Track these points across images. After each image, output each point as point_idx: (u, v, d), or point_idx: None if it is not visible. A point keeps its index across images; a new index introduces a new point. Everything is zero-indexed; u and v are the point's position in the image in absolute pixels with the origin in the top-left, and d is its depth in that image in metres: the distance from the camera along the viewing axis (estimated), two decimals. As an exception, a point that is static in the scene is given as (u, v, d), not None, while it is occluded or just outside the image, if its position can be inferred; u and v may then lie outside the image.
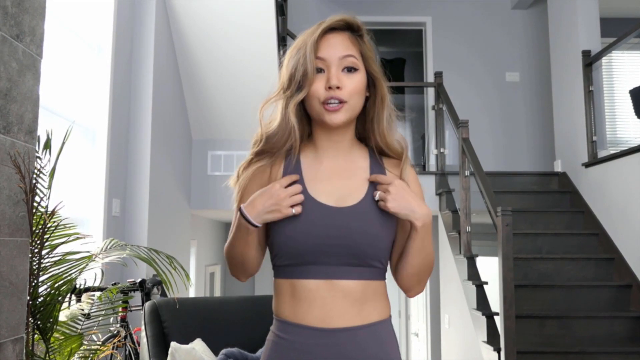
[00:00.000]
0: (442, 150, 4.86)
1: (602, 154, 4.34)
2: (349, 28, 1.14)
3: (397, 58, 7.82)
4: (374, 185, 1.13)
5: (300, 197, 1.08)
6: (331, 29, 1.12)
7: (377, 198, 1.09)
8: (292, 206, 1.07)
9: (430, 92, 5.50)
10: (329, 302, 1.07)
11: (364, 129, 1.19)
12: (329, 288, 1.08)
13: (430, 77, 5.93)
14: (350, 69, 1.10)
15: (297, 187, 1.09)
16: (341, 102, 1.08)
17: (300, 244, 1.08)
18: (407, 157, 1.19)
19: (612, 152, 4.17)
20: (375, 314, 1.11)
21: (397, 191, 1.08)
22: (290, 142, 1.13)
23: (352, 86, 1.10)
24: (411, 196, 1.08)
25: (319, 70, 1.10)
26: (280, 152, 1.15)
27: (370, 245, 1.08)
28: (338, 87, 1.08)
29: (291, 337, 1.09)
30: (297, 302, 1.09)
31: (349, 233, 1.07)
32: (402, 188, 1.08)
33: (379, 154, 1.19)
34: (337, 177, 1.14)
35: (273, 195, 1.07)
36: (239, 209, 1.10)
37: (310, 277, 1.08)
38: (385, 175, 1.13)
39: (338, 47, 1.10)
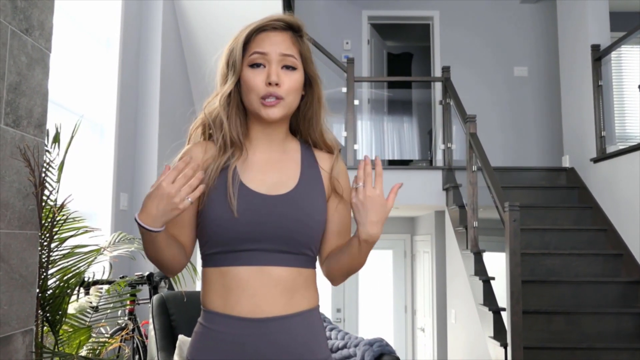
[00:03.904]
0: (449, 145, 4.84)
1: (610, 149, 4.31)
2: (290, 28, 1.17)
3: (404, 52, 7.79)
4: (305, 175, 1.16)
5: (193, 183, 1.01)
6: (273, 28, 1.15)
7: (355, 186, 1.06)
8: (188, 195, 1.01)
9: (438, 87, 5.48)
10: (259, 292, 1.08)
11: (298, 125, 1.23)
12: (260, 276, 1.08)
13: (437, 72, 5.90)
14: (289, 67, 1.13)
15: (186, 174, 1.01)
16: (278, 98, 1.11)
17: (232, 231, 1.08)
18: (338, 154, 1.22)
19: (621, 147, 4.14)
20: (305, 302, 1.13)
21: (372, 199, 1.04)
22: (232, 132, 1.15)
23: (290, 84, 1.12)
24: (376, 212, 1.05)
25: (259, 65, 1.13)
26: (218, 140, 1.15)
27: (302, 232, 1.11)
28: (277, 84, 1.11)
29: (221, 328, 1.09)
30: (227, 292, 1.09)
31: (281, 220, 1.10)
32: (376, 202, 1.05)
33: (313, 146, 1.23)
34: (269, 167, 1.16)
35: (164, 196, 1.00)
36: (135, 219, 1.03)
37: (241, 264, 1.09)
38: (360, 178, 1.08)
39: (280, 45, 1.13)
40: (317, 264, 1.20)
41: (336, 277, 1.19)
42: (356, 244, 1.09)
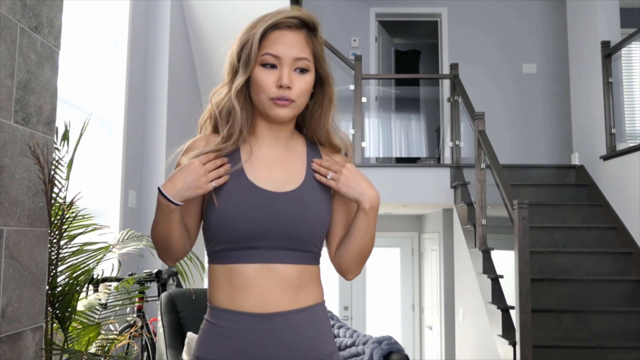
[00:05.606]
0: (457, 142, 4.82)
1: (620, 146, 4.27)
2: (306, 26, 1.15)
3: (412, 50, 7.76)
4: (311, 172, 1.16)
5: (220, 171, 1.09)
6: (287, 27, 1.13)
7: (329, 177, 1.13)
8: (213, 180, 1.08)
9: (446, 84, 5.46)
10: (266, 288, 1.08)
11: (304, 122, 1.21)
12: (267, 273, 1.09)
13: (445, 69, 5.88)
14: (302, 70, 1.12)
15: (216, 162, 1.10)
16: (289, 100, 1.11)
17: (238, 228, 1.08)
18: (350, 154, 1.22)
19: (631, 144, 4.10)
20: (312, 298, 1.13)
21: (349, 173, 1.12)
22: (236, 126, 1.13)
23: (301, 87, 1.12)
24: (362, 178, 1.13)
25: (272, 66, 1.11)
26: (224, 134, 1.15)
27: (308, 230, 1.11)
28: (289, 87, 1.10)
29: (227, 324, 1.09)
30: (234, 289, 1.09)
31: (287, 218, 1.09)
32: (354, 171, 1.13)
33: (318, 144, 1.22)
34: (275, 163, 1.15)
35: (192, 172, 1.07)
36: (158, 189, 1.08)
37: (247, 262, 1.09)
38: (336, 160, 1.16)
39: (293, 48, 1.11)
40: (322, 259, 1.19)
41: (349, 267, 1.18)
42: (363, 217, 1.12)
